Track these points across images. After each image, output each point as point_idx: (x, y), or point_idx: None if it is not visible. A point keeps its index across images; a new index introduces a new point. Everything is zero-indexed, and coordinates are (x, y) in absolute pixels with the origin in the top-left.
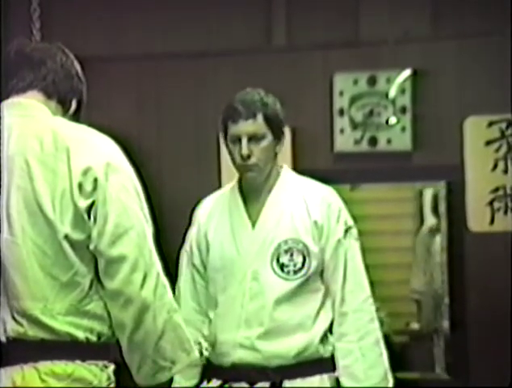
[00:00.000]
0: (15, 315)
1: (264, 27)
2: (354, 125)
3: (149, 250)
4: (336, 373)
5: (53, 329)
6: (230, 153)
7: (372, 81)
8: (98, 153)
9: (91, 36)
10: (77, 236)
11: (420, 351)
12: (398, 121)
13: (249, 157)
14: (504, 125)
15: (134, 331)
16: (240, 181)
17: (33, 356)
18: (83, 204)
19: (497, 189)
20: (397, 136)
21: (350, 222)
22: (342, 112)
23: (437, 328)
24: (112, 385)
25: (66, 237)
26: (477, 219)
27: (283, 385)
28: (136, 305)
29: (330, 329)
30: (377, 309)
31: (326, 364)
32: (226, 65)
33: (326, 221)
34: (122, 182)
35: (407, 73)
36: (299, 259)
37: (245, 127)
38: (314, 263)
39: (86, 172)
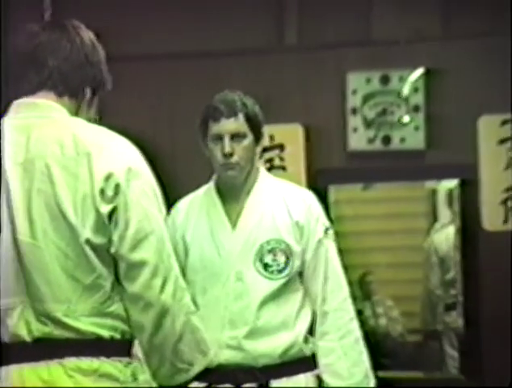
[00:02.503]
0: (39, 317)
1: (276, 26)
2: (368, 124)
3: (168, 254)
4: (317, 371)
5: (78, 329)
6: (211, 152)
7: (385, 80)
8: (119, 159)
9: (103, 35)
10: (98, 240)
11: (433, 350)
12: (411, 120)
13: (231, 155)
14: None
15: (153, 334)
16: (217, 182)
17: (58, 353)
18: (105, 209)
19: (510, 188)
20: (411, 134)
21: (327, 223)
22: (354, 111)
23: (451, 327)
24: (135, 381)
25: (88, 241)
26: (491, 218)
27: (270, 386)
28: (155, 310)
29: (310, 329)
30: (390, 308)
31: (309, 363)
32: (239, 64)
33: (307, 221)
34: (142, 186)
35: (420, 71)
36: (282, 259)
37: (227, 125)
38: (297, 263)
39: (107, 178)
